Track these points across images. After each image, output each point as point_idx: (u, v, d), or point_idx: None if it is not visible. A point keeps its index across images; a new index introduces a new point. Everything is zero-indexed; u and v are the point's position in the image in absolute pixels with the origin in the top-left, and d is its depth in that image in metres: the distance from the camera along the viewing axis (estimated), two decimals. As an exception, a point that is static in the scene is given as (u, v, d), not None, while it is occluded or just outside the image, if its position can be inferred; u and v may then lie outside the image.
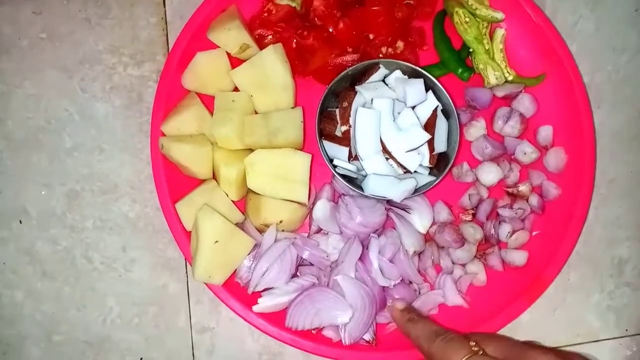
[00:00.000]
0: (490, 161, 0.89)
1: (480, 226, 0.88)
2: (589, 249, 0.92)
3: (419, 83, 0.83)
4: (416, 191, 0.83)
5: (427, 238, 0.88)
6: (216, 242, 0.78)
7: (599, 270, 0.93)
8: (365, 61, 0.86)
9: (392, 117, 0.82)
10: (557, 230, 0.87)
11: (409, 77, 0.86)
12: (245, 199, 0.87)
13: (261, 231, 0.85)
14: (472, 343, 0.67)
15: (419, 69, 0.85)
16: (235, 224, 0.84)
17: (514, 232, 0.87)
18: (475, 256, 0.88)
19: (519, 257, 0.87)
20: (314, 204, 0.86)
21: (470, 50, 0.92)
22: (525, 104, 0.90)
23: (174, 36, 0.91)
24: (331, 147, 0.85)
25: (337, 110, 0.85)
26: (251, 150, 0.85)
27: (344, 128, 0.83)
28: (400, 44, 0.92)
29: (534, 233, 0.89)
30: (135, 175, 0.91)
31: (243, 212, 0.86)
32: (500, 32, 0.93)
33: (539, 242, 0.89)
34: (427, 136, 0.81)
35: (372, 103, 0.83)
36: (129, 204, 0.91)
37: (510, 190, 0.89)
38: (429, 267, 0.87)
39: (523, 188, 0.88)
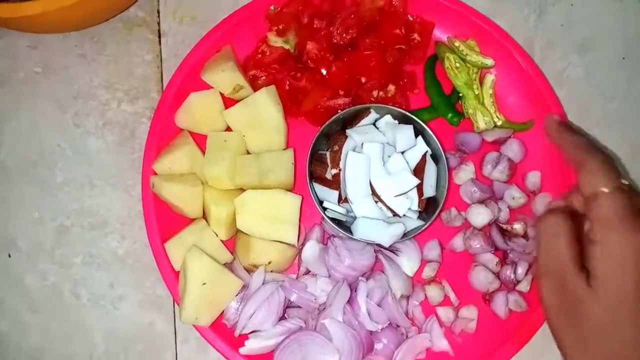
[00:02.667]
0: (478, 203, 0.90)
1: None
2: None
3: (409, 129, 0.84)
4: (405, 235, 0.83)
5: (417, 279, 0.89)
6: (204, 284, 0.78)
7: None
8: (356, 105, 0.87)
9: (382, 161, 0.83)
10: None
11: (399, 122, 0.87)
12: (235, 238, 0.87)
13: (249, 271, 0.85)
14: (624, 180, 0.66)
15: (409, 115, 0.86)
16: (224, 264, 0.84)
17: (529, 267, 0.87)
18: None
19: (522, 302, 0.87)
20: (303, 244, 0.86)
21: (460, 95, 0.94)
22: (514, 149, 0.91)
23: (169, 73, 0.93)
24: (321, 190, 0.86)
25: (328, 154, 0.86)
26: (242, 190, 0.85)
27: (334, 171, 0.84)
28: (391, 88, 0.93)
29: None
30: (125, 212, 0.91)
31: (232, 251, 0.87)
32: (490, 78, 0.94)
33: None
34: (416, 181, 0.82)
35: (362, 147, 0.84)
36: (118, 240, 0.91)
37: (504, 227, 0.89)
38: (416, 309, 0.88)
39: (518, 226, 0.89)
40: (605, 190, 0.64)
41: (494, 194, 0.91)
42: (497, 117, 0.93)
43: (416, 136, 0.85)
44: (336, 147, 0.85)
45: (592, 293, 0.63)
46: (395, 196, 0.82)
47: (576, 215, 0.70)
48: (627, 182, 0.66)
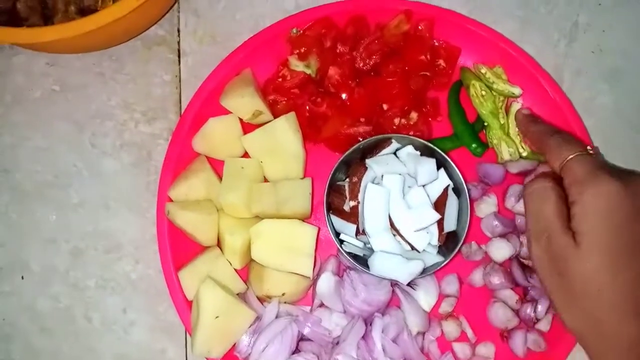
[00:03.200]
0: (499, 237, 0.87)
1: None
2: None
3: (431, 163, 0.82)
4: (423, 271, 0.81)
5: (434, 314, 0.87)
6: (217, 317, 0.77)
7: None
8: (377, 135, 0.85)
9: (402, 194, 0.81)
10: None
11: (421, 153, 0.85)
12: (249, 267, 0.86)
13: (263, 300, 0.84)
14: (589, 147, 0.73)
15: (431, 146, 0.84)
16: (237, 293, 0.83)
17: (549, 305, 0.85)
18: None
19: (542, 341, 0.85)
20: (318, 275, 0.85)
21: (485, 124, 0.91)
22: (538, 182, 0.88)
23: (187, 94, 0.91)
24: (338, 222, 0.84)
25: (347, 185, 0.84)
26: (258, 218, 0.84)
27: (352, 203, 0.82)
28: (414, 115, 0.91)
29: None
30: (139, 235, 0.90)
31: (245, 279, 0.85)
32: (516, 107, 0.92)
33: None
34: (437, 216, 0.80)
35: (382, 178, 0.82)
36: (132, 264, 0.90)
37: (526, 262, 0.87)
38: (432, 345, 0.86)
39: None
40: (571, 156, 0.70)
41: (516, 228, 0.88)
42: (522, 147, 0.91)
43: (438, 168, 0.83)
44: (355, 179, 0.83)
45: (577, 248, 0.66)
46: (415, 231, 0.80)
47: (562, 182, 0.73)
48: (590, 148, 0.73)
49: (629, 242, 0.65)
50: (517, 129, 0.91)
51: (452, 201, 0.84)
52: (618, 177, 0.66)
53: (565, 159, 0.71)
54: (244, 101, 0.85)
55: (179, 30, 0.95)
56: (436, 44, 0.92)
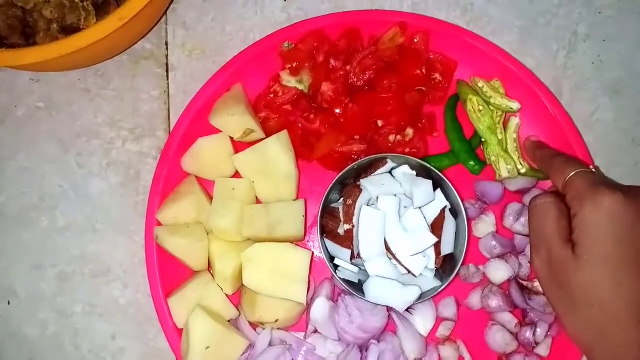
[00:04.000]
0: (497, 258, 0.85)
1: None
2: None
3: (427, 184, 0.79)
4: (421, 297, 0.79)
5: (431, 338, 0.85)
6: (208, 348, 0.75)
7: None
8: (372, 155, 0.82)
9: (398, 216, 0.79)
10: (565, 337, 0.83)
11: (417, 172, 0.82)
12: (240, 292, 0.83)
13: (255, 326, 0.82)
14: (591, 166, 0.78)
15: (428, 166, 0.81)
16: (229, 320, 0.81)
17: (549, 329, 0.83)
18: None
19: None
20: (312, 299, 0.82)
21: (482, 140, 0.89)
22: (537, 200, 0.86)
23: (177, 110, 0.89)
24: (333, 247, 0.81)
25: (341, 208, 0.81)
26: (249, 240, 0.81)
27: (347, 227, 0.80)
28: (409, 132, 0.88)
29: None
30: (128, 259, 0.88)
31: (237, 304, 0.83)
32: (514, 122, 0.89)
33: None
34: (434, 239, 0.77)
35: (377, 200, 0.79)
36: (120, 289, 0.87)
37: (525, 283, 0.85)
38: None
39: (538, 284, 0.84)
40: (573, 173, 0.72)
41: (515, 248, 0.86)
42: (520, 164, 0.88)
43: (435, 188, 0.80)
44: (350, 201, 0.80)
45: (577, 260, 0.67)
46: (412, 255, 0.78)
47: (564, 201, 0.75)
48: (591, 167, 0.77)
49: (631, 252, 0.66)
50: (516, 145, 0.89)
51: (449, 223, 0.81)
52: (617, 189, 0.67)
53: (567, 176, 0.72)
54: (234, 120, 0.82)
55: (167, 44, 0.92)
56: (432, 57, 0.89)
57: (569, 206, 0.71)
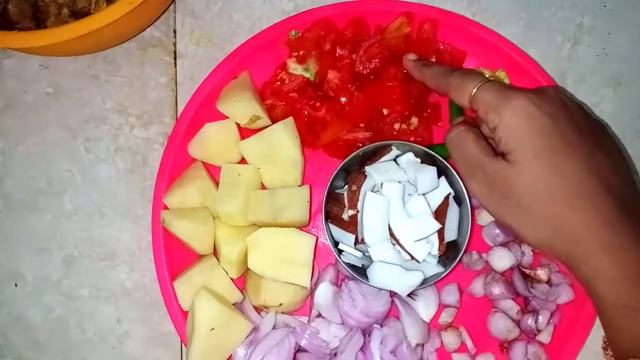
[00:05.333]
0: (500, 246, 0.86)
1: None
2: (599, 348, 0.87)
3: (432, 171, 0.80)
4: (423, 282, 0.79)
5: (433, 324, 0.85)
6: (212, 329, 0.75)
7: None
8: (377, 142, 0.83)
9: (402, 202, 0.79)
10: (566, 325, 0.84)
11: (421, 160, 0.83)
12: (245, 276, 0.84)
13: (260, 310, 0.83)
14: (487, 74, 0.75)
15: (432, 153, 0.82)
16: (234, 303, 0.82)
17: (551, 316, 0.84)
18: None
19: (542, 353, 0.84)
20: (316, 284, 0.83)
21: (487, 129, 0.89)
22: (540, 189, 0.87)
23: (184, 97, 0.89)
24: (337, 232, 0.82)
25: (345, 193, 0.82)
26: (255, 226, 0.82)
27: (351, 212, 0.80)
28: (414, 120, 0.89)
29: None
30: (135, 243, 0.88)
31: (242, 288, 0.84)
32: (518, 112, 0.90)
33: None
34: (438, 226, 0.78)
35: (381, 186, 0.80)
36: (127, 273, 0.88)
37: (527, 272, 0.85)
38: (431, 356, 0.84)
39: (541, 272, 0.85)
40: (476, 86, 0.69)
41: (517, 237, 0.87)
42: (524, 154, 0.89)
43: (439, 176, 0.81)
44: (354, 187, 0.81)
45: (514, 166, 0.66)
46: (415, 241, 0.78)
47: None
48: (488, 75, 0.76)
49: (559, 139, 0.65)
50: None
51: (453, 210, 0.82)
52: (526, 90, 0.67)
53: (471, 92, 0.70)
54: (241, 106, 0.83)
55: (175, 32, 0.93)
56: (441, 47, 0.90)
57: (485, 120, 0.69)
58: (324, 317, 0.83)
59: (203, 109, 0.86)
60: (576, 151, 0.65)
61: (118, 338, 0.87)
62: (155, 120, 0.91)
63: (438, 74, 0.77)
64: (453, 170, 0.81)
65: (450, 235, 0.81)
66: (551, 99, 0.67)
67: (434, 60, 0.90)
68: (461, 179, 0.77)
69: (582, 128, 0.67)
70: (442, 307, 0.86)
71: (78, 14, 0.80)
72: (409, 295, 0.83)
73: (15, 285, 0.88)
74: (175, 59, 0.93)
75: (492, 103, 0.67)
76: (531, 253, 0.86)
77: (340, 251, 0.82)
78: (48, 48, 0.77)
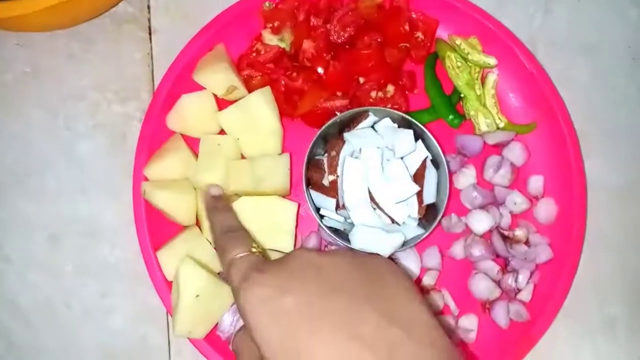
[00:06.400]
0: (479, 209, 0.87)
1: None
2: (579, 305, 0.90)
3: (409, 134, 0.81)
4: (404, 244, 0.81)
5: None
6: (197, 296, 0.76)
7: (589, 327, 0.91)
8: (354, 108, 0.84)
9: (381, 167, 0.80)
10: (546, 284, 0.86)
11: (398, 125, 0.84)
12: (229, 246, 0.85)
13: (244, 279, 0.83)
14: (255, 245, 0.64)
15: (409, 118, 0.83)
16: (218, 272, 0.82)
17: (530, 275, 0.85)
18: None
19: (524, 311, 0.85)
20: (299, 252, 0.84)
21: (462, 95, 0.91)
22: (516, 152, 0.88)
23: (160, 73, 0.89)
24: (318, 197, 0.83)
25: (325, 159, 0.83)
26: (236, 195, 0.83)
27: (331, 177, 0.81)
28: (390, 88, 0.90)
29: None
30: (117, 218, 0.88)
31: (226, 259, 0.84)
32: (492, 78, 0.91)
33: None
34: (416, 188, 0.79)
35: (360, 152, 0.81)
36: (110, 249, 0.88)
37: (506, 233, 0.87)
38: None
39: (519, 233, 0.87)
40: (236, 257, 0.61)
41: (496, 199, 0.88)
42: (499, 118, 0.91)
43: (416, 140, 0.82)
44: (333, 153, 0.82)
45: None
46: (395, 203, 0.79)
47: None
48: (256, 249, 0.63)
49: (297, 315, 0.53)
50: (494, 101, 0.91)
51: (430, 173, 0.83)
52: (263, 270, 0.57)
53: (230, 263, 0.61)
54: (217, 77, 0.83)
55: (149, 7, 0.93)
56: (414, 16, 0.91)
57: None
58: (307, 283, 0.83)
59: (180, 82, 0.86)
60: None
61: (105, 313, 0.87)
62: (132, 96, 0.91)
63: (217, 225, 0.71)
64: (430, 134, 0.82)
65: (429, 197, 0.82)
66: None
67: (421, 36, 0.91)
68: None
69: None
70: (424, 270, 0.87)
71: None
72: (391, 259, 0.84)
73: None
74: (150, 34, 0.93)
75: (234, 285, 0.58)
76: (509, 215, 0.88)
77: (322, 217, 0.83)
78: (22, 21, 0.76)
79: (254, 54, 0.89)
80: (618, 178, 0.94)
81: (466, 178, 0.88)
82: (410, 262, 0.85)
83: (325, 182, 0.83)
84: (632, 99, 0.95)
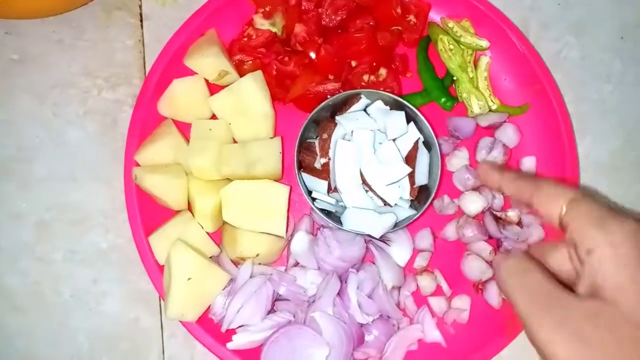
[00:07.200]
0: (471, 190, 0.87)
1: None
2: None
3: (400, 116, 0.81)
4: (396, 225, 0.81)
5: (409, 269, 0.87)
6: (189, 279, 0.76)
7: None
8: (346, 91, 0.84)
9: (373, 149, 0.80)
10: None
11: (390, 108, 0.84)
12: (222, 230, 0.85)
13: (237, 263, 0.83)
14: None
15: (401, 100, 0.83)
16: (210, 257, 0.82)
17: None
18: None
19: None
20: (292, 235, 0.84)
21: (454, 78, 0.91)
22: (508, 134, 0.88)
23: (152, 59, 0.89)
24: (310, 180, 0.83)
25: (317, 142, 0.83)
26: (228, 180, 0.82)
27: (323, 160, 0.81)
28: (383, 72, 0.90)
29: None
30: (108, 204, 0.88)
31: (219, 243, 0.84)
32: (484, 60, 0.91)
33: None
34: (408, 169, 0.79)
35: (352, 134, 0.81)
36: (102, 235, 0.88)
37: (498, 214, 0.87)
38: (408, 300, 0.86)
39: (512, 214, 0.87)
40: (570, 201, 0.54)
41: (489, 181, 0.88)
42: (491, 100, 0.90)
43: (408, 122, 0.82)
44: (325, 135, 0.82)
45: (612, 310, 0.48)
46: (387, 185, 0.79)
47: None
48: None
49: None
50: (486, 83, 0.91)
51: (422, 155, 0.83)
52: (628, 217, 0.51)
53: (567, 202, 0.54)
54: (208, 61, 0.83)
55: (139, -6, 0.93)
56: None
57: (574, 242, 0.52)
58: (300, 266, 0.84)
59: (171, 67, 0.86)
60: None
61: (96, 298, 0.87)
62: (123, 82, 0.91)
63: (522, 177, 0.61)
64: (422, 117, 0.82)
65: (421, 179, 0.82)
66: None
67: (413, 19, 0.91)
68: (525, 321, 0.51)
69: None
70: (416, 252, 0.87)
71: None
72: (383, 241, 0.85)
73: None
74: (141, 21, 0.92)
75: (591, 222, 0.51)
76: (502, 197, 0.88)
77: (314, 200, 0.82)
78: (9, 6, 0.76)
79: (246, 39, 0.89)
80: (608, 155, 0.94)
81: (459, 160, 0.88)
82: (402, 243, 0.85)
83: (317, 165, 0.83)
84: (621, 77, 0.95)
